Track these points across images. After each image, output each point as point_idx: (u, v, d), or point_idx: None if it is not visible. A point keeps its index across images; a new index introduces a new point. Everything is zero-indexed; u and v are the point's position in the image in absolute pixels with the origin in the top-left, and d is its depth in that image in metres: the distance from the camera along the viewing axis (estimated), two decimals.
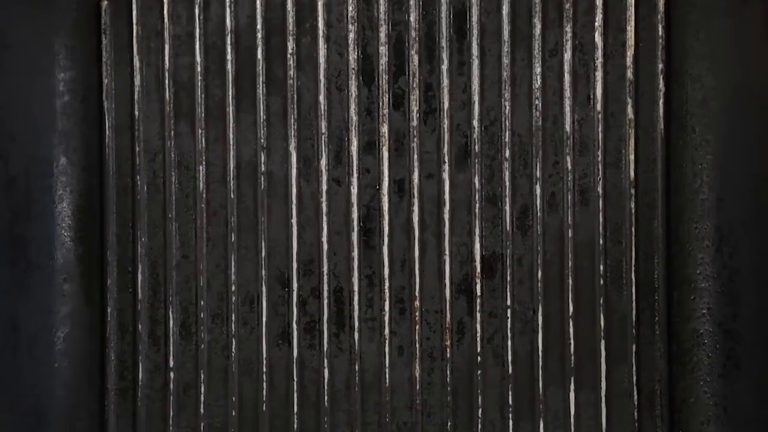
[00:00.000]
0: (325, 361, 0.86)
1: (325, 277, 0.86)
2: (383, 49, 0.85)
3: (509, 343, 0.86)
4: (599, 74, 0.85)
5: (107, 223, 0.87)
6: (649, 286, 0.85)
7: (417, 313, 0.85)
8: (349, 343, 0.86)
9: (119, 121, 0.87)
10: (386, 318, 0.86)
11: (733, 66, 0.84)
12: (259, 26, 0.86)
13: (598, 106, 0.85)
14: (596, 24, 0.85)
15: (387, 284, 0.85)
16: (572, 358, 0.86)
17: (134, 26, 0.87)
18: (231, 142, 0.86)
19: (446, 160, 0.85)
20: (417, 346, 0.86)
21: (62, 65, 0.87)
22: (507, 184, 0.85)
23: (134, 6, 0.87)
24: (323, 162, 0.86)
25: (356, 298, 0.86)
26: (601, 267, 0.85)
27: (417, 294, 0.85)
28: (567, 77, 0.85)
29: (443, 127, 0.85)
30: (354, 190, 0.85)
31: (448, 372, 0.86)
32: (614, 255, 0.85)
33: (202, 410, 0.87)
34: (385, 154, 0.85)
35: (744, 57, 0.83)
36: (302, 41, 0.86)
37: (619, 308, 0.85)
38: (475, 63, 0.85)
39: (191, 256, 0.87)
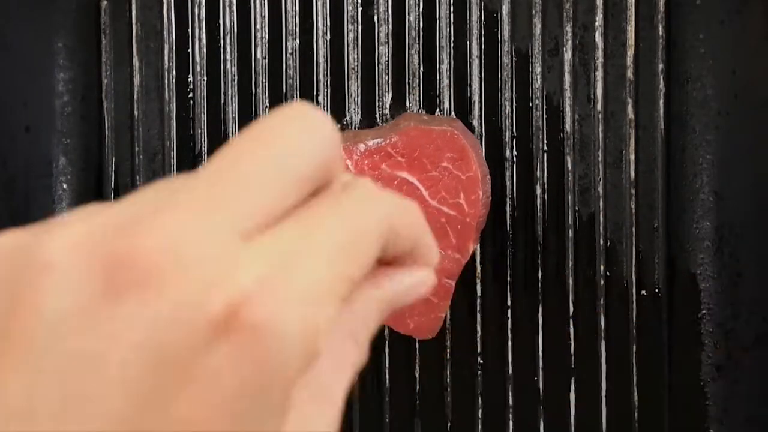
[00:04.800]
0: None
1: None
2: (383, 49, 0.85)
3: (509, 343, 0.86)
4: (599, 74, 0.85)
5: None
6: (649, 286, 0.85)
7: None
8: None
9: (119, 121, 0.87)
10: None
11: (733, 66, 0.84)
12: (259, 26, 0.86)
13: (598, 106, 0.85)
14: (596, 24, 0.85)
15: None
16: (572, 358, 0.85)
17: (134, 26, 0.87)
18: None
19: None
20: (416, 346, 0.86)
21: (62, 65, 0.87)
22: (507, 183, 0.85)
23: (134, 6, 0.87)
24: None
25: None
26: (602, 267, 0.85)
27: None
28: (567, 77, 0.85)
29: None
30: None
31: (449, 372, 0.86)
32: (614, 255, 0.85)
33: None
34: None
35: (744, 57, 0.83)
36: (302, 41, 0.86)
37: (620, 308, 0.85)
38: (475, 63, 0.85)
39: None
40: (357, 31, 0.86)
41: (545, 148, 0.85)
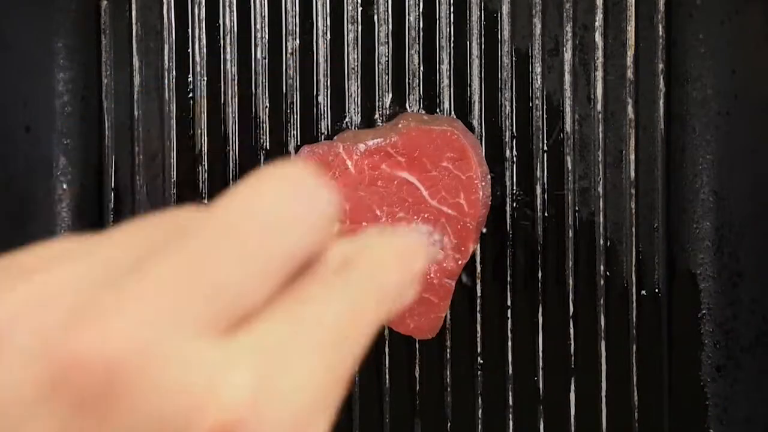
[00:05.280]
0: None
1: None
2: (383, 49, 0.85)
3: (509, 343, 0.86)
4: (599, 74, 0.85)
5: (107, 224, 0.87)
6: (649, 286, 0.85)
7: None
8: None
9: (119, 121, 0.87)
10: None
11: (733, 66, 0.84)
12: (258, 26, 0.86)
13: (598, 106, 0.85)
14: (596, 24, 0.85)
15: None
16: (572, 358, 0.85)
17: (134, 26, 0.87)
18: (231, 142, 0.86)
19: None
20: (417, 346, 0.86)
21: (62, 65, 0.87)
22: (507, 183, 0.85)
23: (134, 6, 0.87)
24: None
25: None
26: (602, 267, 0.85)
27: None
28: (567, 77, 0.85)
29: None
30: None
31: (449, 372, 0.86)
32: (614, 255, 0.85)
33: None
34: None
35: (744, 57, 0.83)
36: (302, 41, 0.86)
37: (620, 308, 0.85)
38: (475, 63, 0.85)
39: None
40: (357, 31, 0.86)
41: (545, 148, 0.85)
